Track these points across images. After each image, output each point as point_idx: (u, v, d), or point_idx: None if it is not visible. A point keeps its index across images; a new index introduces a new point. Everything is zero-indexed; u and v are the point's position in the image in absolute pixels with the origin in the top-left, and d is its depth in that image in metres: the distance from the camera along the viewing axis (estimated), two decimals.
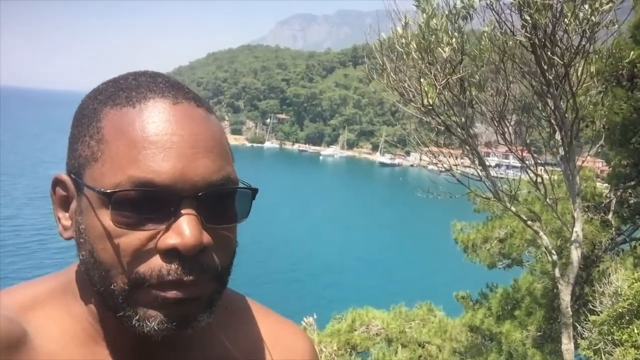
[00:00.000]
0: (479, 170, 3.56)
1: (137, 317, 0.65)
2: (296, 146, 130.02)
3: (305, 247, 42.32)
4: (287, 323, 0.91)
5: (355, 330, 10.03)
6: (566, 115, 3.12)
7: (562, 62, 2.78)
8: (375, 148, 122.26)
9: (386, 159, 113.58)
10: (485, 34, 2.92)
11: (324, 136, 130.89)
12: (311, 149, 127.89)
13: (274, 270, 35.35)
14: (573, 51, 2.78)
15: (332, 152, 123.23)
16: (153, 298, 0.64)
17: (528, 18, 2.61)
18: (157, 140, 0.65)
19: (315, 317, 6.49)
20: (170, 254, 0.64)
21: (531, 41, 2.80)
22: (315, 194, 70.60)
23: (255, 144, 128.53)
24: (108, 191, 0.64)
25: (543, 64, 2.93)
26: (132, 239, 0.64)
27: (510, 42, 2.91)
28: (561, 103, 3.12)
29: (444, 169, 3.90)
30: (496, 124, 3.22)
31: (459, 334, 10.15)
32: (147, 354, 0.74)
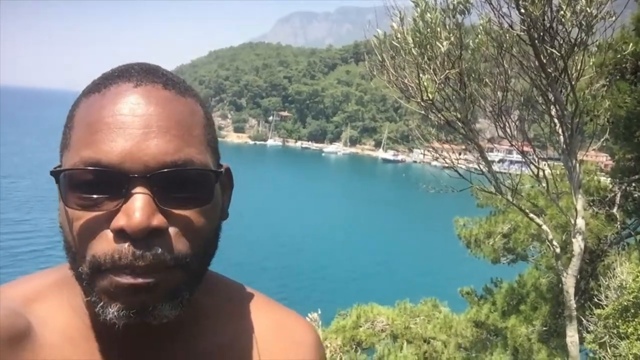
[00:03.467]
0: (481, 165, 3.55)
1: (101, 303, 0.64)
2: (299, 143, 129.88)
3: (309, 243, 42.33)
4: (293, 314, 0.90)
5: (360, 326, 10.03)
6: (567, 108, 3.10)
7: (560, 55, 2.76)
8: (378, 144, 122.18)
9: (389, 155, 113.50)
10: (481, 28, 2.90)
11: (326, 133, 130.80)
12: (314, 146, 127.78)
13: (277, 266, 35.38)
14: (571, 44, 2.76)
15: (335, 149, 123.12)
16: (110, 284, 0.63)
17: (523, 11, 2.59)
18: (110, 121, 0.65)
19: (319, 313, 6.49)
20: (120, 235, 0.62)
21: (529, 35, 2.78)
22: (319, 190, 70.58)
23: (258, 142, 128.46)
24: (53, 169, 0.65)
25: (542, 57, 2.91)
26: (87, 220, 0.64)
27: (508, 36, 2.89)
28: (562, 96, 3.11)
29: (446, 165, 3.90)
30: (496, 118, 3.21)
31: (464, 329, 10.14)
32: (146, 345, 0.73)
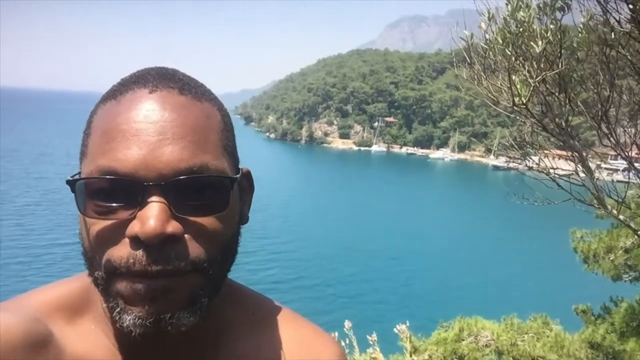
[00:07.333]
0: (582, 175, 3.28)
1: (118, 309, 0.64)
2: (404, 149, 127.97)
3: (411, 252, 41.62)
4: (318, 330, 0.88)
5: (463, 340, 9.64)
6: None
7: None
8: (488, 151, 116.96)
9: (500, 162, 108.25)
10: (581, 26, 2.65)
11: (433, 139, 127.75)
12: (419, 152, 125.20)
13: (385, 272, 35.25)
14: None
15: (442, 155, 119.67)
16: (125, 288, 0.63)
17: (632, 6, 2.33)
18: (125, 129, 0.65)
19: (407, 324, 6.41)
20: (135, 242, 0.63)
21: None
22: (423, 197, 69.17)
23: (362, 148, 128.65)
24: (68, 178, 0.66)
25: None
26: (104, 226, 0.65)
27: (615, 34, 2.63)
28: None
29: (549, 173, 3.65)
30: (599, 124, 2.94)
31: (578, 350, 9.36)
32: (167, 354, 0.73)
